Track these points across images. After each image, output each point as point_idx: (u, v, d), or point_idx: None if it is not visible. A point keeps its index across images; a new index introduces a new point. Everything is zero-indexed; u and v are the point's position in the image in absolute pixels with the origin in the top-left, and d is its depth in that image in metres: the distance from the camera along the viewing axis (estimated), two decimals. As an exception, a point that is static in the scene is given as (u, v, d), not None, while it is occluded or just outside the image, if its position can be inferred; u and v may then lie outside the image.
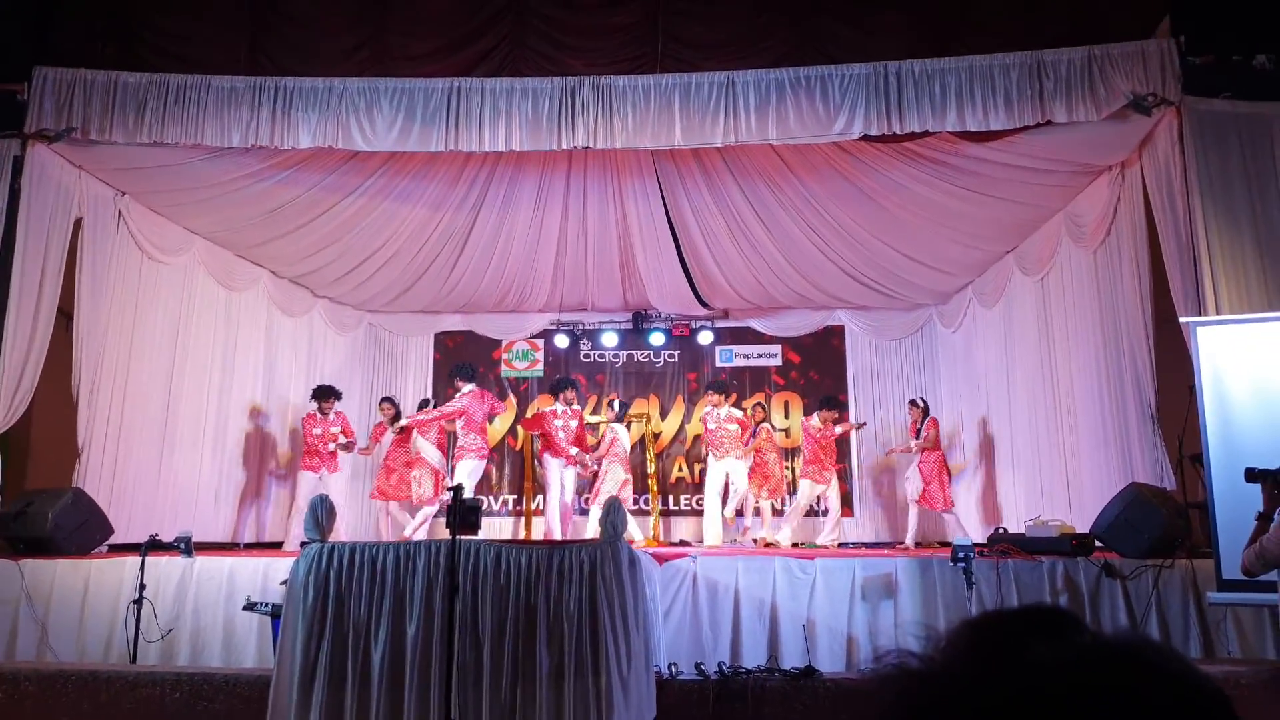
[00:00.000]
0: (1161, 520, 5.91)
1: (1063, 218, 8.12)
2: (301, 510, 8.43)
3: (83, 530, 6.75)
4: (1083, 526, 6.63)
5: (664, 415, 11.33)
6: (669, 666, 4.95)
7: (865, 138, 6.88)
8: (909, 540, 9.10)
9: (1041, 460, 8.62)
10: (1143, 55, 6.50)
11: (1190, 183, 6.27)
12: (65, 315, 7.45)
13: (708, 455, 9.45)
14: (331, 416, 8.91)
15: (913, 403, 9.54)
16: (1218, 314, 5.97)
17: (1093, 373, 7.55)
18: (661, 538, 10.13)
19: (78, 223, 7.46)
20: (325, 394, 8.94)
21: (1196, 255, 6.19)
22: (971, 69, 6.63)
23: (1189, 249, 6.25)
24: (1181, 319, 5.98)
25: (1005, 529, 7.60)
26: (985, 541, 7.10)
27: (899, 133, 6.72)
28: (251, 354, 9.73)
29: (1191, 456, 6.03)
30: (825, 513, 9.53)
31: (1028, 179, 7.56)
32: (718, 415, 9.28)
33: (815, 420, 9.33)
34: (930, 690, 0.63)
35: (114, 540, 7.09)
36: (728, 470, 9.21)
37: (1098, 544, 6.25)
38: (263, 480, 9.79)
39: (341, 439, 8.87)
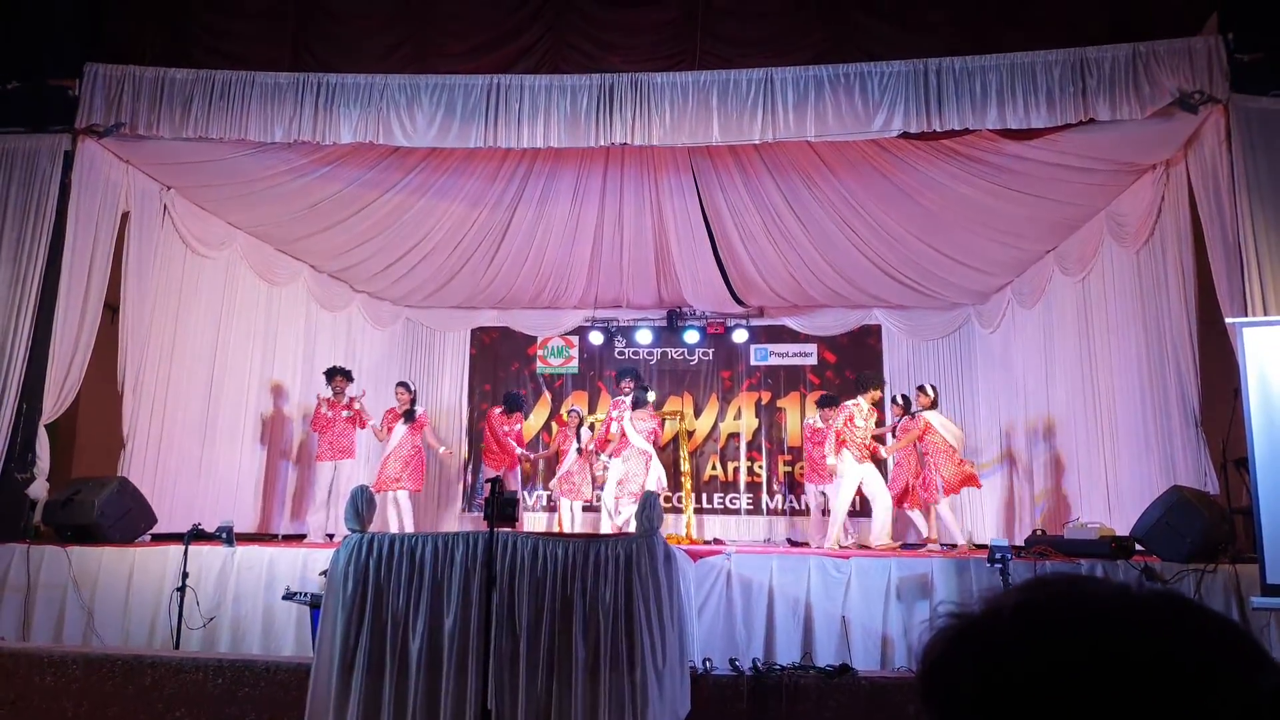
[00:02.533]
0: (1204, 524, 5.81)
1: (1105, 217, 8.00)
2: (319, 502, 8.56)
3: (127, 519, 6.88)
4: (1122, 530, 6.53)
5: (698, 414, 11.34)
6: (703, 662, 4.96)
7: (904, 135, 6.83)
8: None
9: (1080, 462, 8.50)
10: (1189, 52, 6.39)
11: (1237, 181, 6.16)
12: (111, 308, 7.61)
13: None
14: (344, 399, 8.78)
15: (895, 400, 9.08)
16: (1265, 315, 5.86)
17: (1134, 374, 7.44)
18: (695, 536, 10.13)
19: (124, 216, 7.61)
20: (334, 374, 8.80)
21: (1244, 255, 6.08)
22: (1013, 66, 6.56)
23: (1235, 249, 6.15)
24: (1227, 320, 5.87)
25: (1043, 531, 7.52)
26: (1023, 543, 7.03)
27: (939, 130, 6.67)
28: (291, 348, 9.86)
29: (1236, 460, 5.92)
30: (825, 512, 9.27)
31: (1069, 178, 7.45)
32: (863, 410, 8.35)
33: (817, 420, 9.31)
34: (986, 625, 0.66)
35: (157, 529, 7.22)
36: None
37: (1138, 547, 6.17)
38: (300, 472, 9.92)
39: (371, 420, 8.82)
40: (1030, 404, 9.63)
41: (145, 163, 7.67)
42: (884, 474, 8.94)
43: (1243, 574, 5.54)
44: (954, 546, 8.20)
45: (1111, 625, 0.62)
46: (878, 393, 8.66)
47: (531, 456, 10.17)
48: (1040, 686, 0.61)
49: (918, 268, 9.76)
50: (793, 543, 9.71)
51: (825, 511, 9.25)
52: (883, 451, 8.84)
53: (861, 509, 9.21)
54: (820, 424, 9.18)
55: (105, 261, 7.39)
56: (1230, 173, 6.20)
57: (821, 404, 9.33)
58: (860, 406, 8.37)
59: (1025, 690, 0.61)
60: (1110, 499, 7.79)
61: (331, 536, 8.29)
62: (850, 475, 8.20)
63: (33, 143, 7.19)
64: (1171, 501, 6.06)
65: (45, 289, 6.98)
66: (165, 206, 8.06)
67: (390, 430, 8.92)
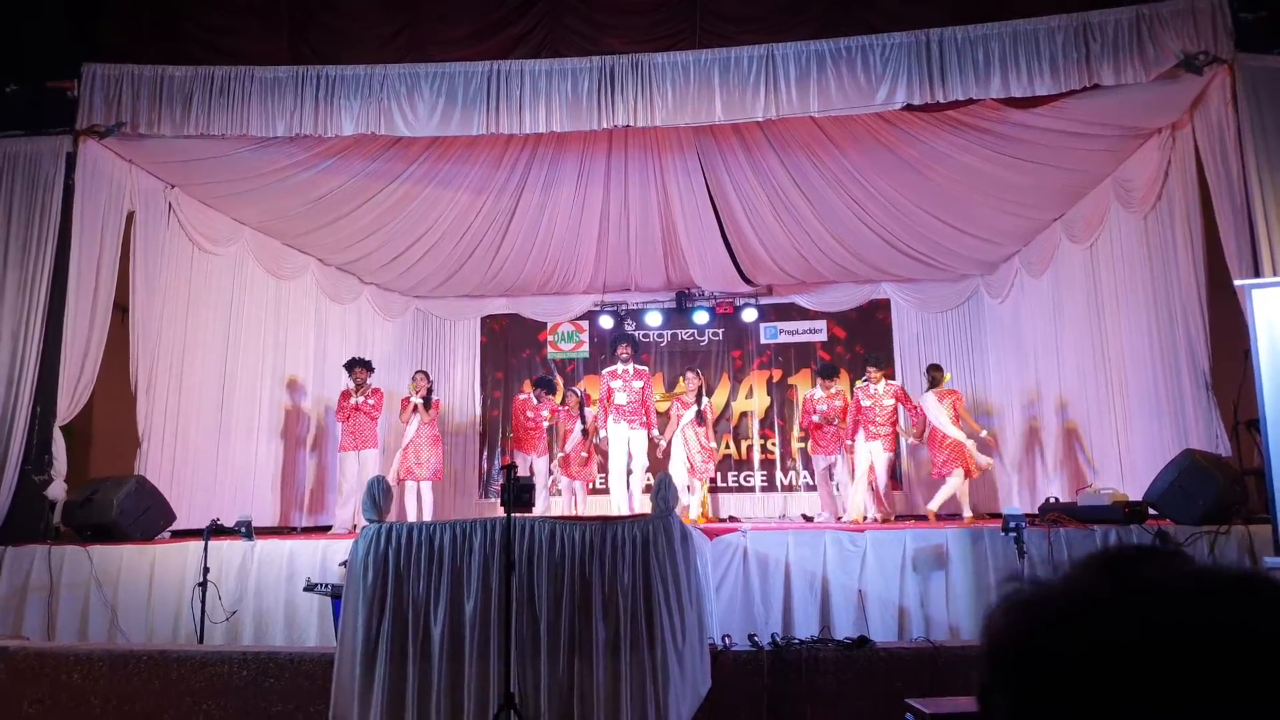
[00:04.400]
0: (1217, 486, 5.82)
1: (1111, 183, 7.96)
2: (346, 494, 8.57)
3: (146, 516, 6.93)
4: (1135, 495, 6.55)
5: (710, 393, 11.32)
6: (723, 638, 4.99)
7: (908, 108, 6.80)
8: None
9: (1092, 429, 8.51)
10: (1193, 12, 6.33)
11: (1244, 142, 6.13)
12: (121, 308, 7.63)
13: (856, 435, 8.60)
14: (367, 390, 8.72)
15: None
16: (1274, 275, 5.83)
17: (1144, 340, 7.42)
18: (710, 514, 10.16)
19: (130, 216, 7.62)
20: (354, 365, 8.76)
21: (1252, 216, 6.05)
22: (1015, 33, 6.52)
23: (1244, 210, 6.12)
24: (1236, 281, 5.86)
25: (1056, 498, 7.53)
26: (1037, 511, 7.05)
27: (942, 101, 6.64)
28: (302, 341, 9.89)
29: (1247, 422, 5.92)
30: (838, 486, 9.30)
31: (1075, 144, 7.41)
32: (874, 391, 8.56)
33: (818, 391, 9.21)
34: (1053, 607, 0.65)
35: (176, 526, 7.28)
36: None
37: (1151, 511, 6.18)
38: (317, 465, 9.98)
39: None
40: (1041, 372, 9.62)
41: (148, 161, 7.68)
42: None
43: (1256, 534, 5.56)
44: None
45: (1201, 600, 0.61)
46: (874, 371, 8.70)
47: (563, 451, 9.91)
48: (1124, 662, 0.59)
49: (925, 240, 9.74)
50: (806, 518, 9.71)
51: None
52: (906, 437, 8.92)
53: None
54: (821, 393, 9.16)
55: (113, 262, 7.41)
56: (1237, 133, 6.17)
57: (823, 374, 9.33)
58: (866, 388, 8.60)
59: (1107, 665, 0.60)
60: (1123, 464, 7.80)
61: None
62: (860, 451, 8.52)
63: (34, 145, 7.19)
64: (1184, 465, 6.07)
65: (54, 291, 7.01)
66: (170, 205, 8.07)
67: (407, 422, 8.86)
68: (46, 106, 7.20)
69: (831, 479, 9.26)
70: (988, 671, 0.66)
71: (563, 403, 9.79)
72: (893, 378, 9.34)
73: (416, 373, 9.20)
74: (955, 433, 8.26)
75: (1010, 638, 0.65)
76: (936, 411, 8.36)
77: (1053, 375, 9.33)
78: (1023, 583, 0.67)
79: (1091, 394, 8.47)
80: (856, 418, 8.58)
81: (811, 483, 10.85)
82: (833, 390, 9.07)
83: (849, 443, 8.71)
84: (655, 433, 8.90)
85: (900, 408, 8.68)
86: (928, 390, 8.57)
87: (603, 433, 8.95)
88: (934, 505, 8.34)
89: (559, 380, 10.82)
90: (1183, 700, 0.57)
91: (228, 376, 8.74)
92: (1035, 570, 5.57)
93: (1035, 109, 6.92)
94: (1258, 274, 5.89)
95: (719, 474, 11.03)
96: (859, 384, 8.80)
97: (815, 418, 9.11)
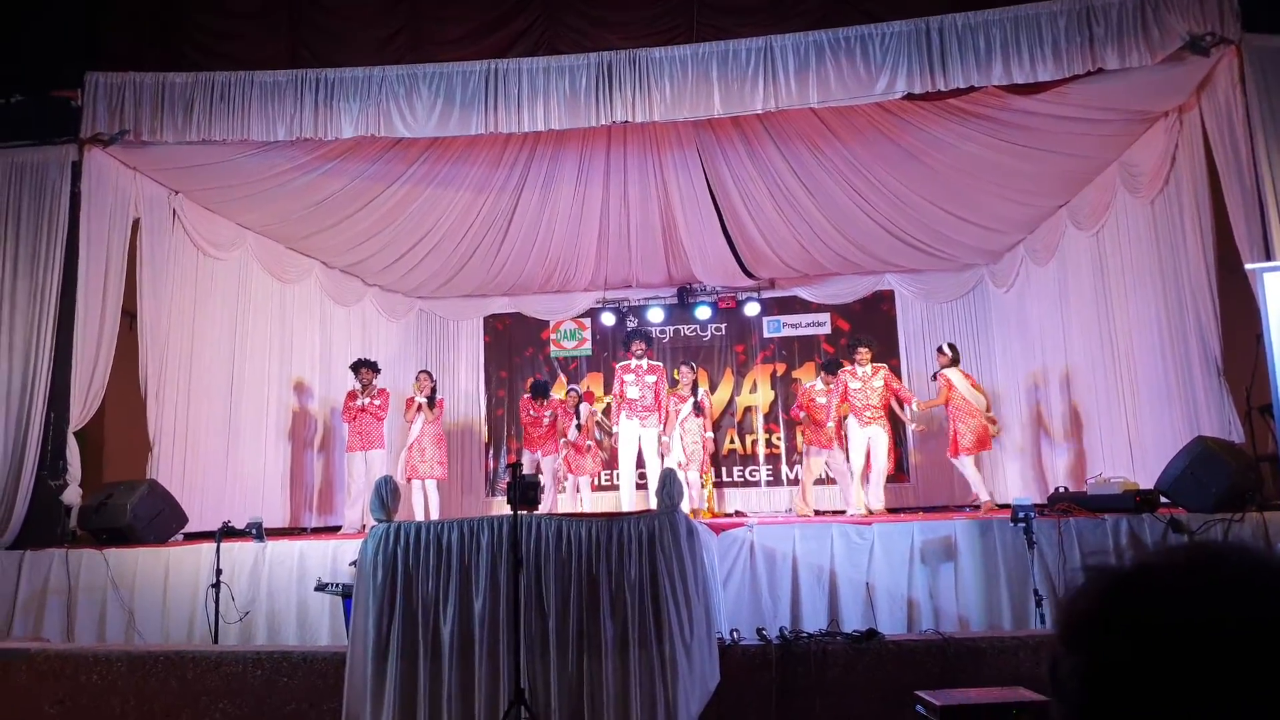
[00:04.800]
0: (1229, 473, 5.77)
1: (1117, 168, 7.90)
2: (355, 495, 8.60)
3: (160, 520, 7.00)
4: (1146, 483, 6.49)
5: (713, 388, 11.32)
6: (731, 633, 4.99)
7: (909, 97, 6.76)
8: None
9: (1101, 418, 8.45)
10: (1200, -8, 6.28)
11: (1253, 123, 6.08)
12: (129, 314, 7.69)
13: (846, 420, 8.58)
14: (373, 390, 8.74)
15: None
16: (1285, 258, 5.79)
17: (1153, 326, 7.36)
18: (715, 509, 10.14)
19: (135, 223, 7.67)
20: (359, 366, 8.81)
21: (1262, 198, 6.00)
22: (1017, 19, 6.47)
23: (1254, 193, 6.06)
24: (1247, 265, 5.81)
25: (1065, 488, 7.49)
26: (1046, 501, 7.01)
27: (943, 89, 6.60)
28: (307, 344, 9.94)
29: (1261, 408, 5.87)
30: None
31: (1079, 130, 7.36)
32: (863, 373, 8.47)
33: (818, 384, 9.12)
34: (1127, 582, 0.67)
35: (189, 528, 7.34)
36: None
37: (1163, 500, 6.13)
38: (325, 465, 10.02)
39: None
40: (1048, 361, 9.56)
41: (152, 168, 7.72)
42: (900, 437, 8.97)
43: (1271, 521, 5.52)
44: (976, 506, 8.24)
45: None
46: (866, 352, 8.62)
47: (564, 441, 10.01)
48: (1202, 641, 0.60)
49: (928, 230, 9.68)
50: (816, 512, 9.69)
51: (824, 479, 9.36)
52: (906, 414, 8.85)
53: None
54: (821, 386, 9.09)
55: (120, 268, 7.47)
56: (1245, 115, 6.11)
57: (827, 369, 9.22)
58: (854, 370, 8.51)
59: (1184, 644, 0.61)
60: (1133, 452, 7.75)
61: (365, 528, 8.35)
62: (856, 438, 8.42)
63: (40, 155, 7.26)
64: (1196, 452, 6.02)
65: (64, 299, 7.08)
66: (175, 211, 8.11)
67: (411, 421, 8.92)
68: (51, 116, 7.26)
69: (830, 473, 9.23)
70: (1059, 642, 0.69)
71: (564, 399, 9.81)
72: (879, 360, 9.24)
73: (420, 373, 9.29)
74: (981, 404, 8.22)
75: (1084, 606, 0.68)
76: (965, 385, 8.32)
77: (1060, 364, 9.28)
78: (1101, 567, 0.70)
79: (1100, 382, 8.41)
80: (842, 403, 8.49)
81: (820, 476, 10.82)
82: (832, 387, 8.95)
83: (829, 425, 8.63)
84: (661, 426, 8.92)
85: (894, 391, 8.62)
86: (950, 366, 8.48)
87: (614, 428, 8.96)
88: (985, 494, 8.23)
89: (562, 378, 10.85)
90: (1237, 684, 0.59)
91: (235, 380, 8.79)
92: (1045, 560, 5.56)
93: (1038, 95, 6.86)
94: (1269, 257, 5.84)
95: (724, 469, 11.04)
96: (846, 368, 8.67)
97: (803, 414, 9.05)
